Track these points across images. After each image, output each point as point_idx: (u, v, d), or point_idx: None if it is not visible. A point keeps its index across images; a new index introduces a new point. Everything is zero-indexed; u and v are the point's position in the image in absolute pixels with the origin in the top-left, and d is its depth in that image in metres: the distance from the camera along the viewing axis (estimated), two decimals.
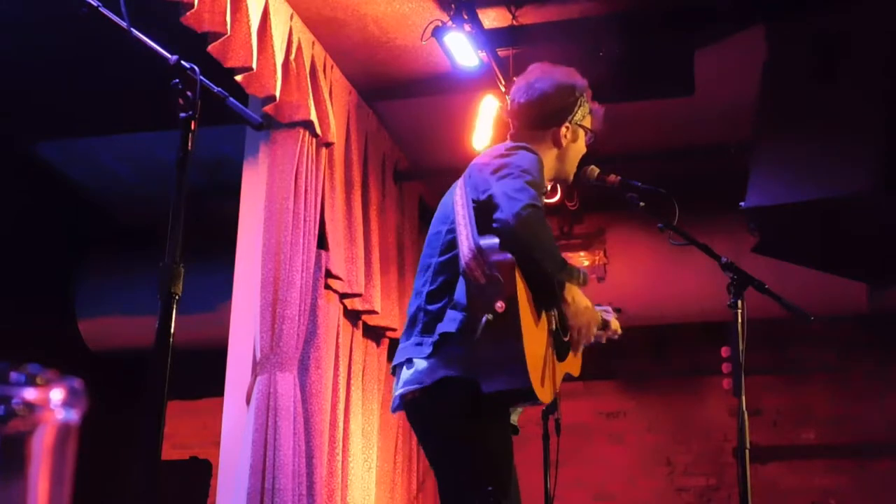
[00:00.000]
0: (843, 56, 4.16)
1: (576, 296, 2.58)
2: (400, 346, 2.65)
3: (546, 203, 3.02)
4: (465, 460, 2.53)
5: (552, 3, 4.40)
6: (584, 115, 2.81)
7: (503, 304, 2.38)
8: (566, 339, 2.70)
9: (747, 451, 2.65)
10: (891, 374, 6.33)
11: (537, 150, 2.69)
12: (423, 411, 2.57)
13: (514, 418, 2.67)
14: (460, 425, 2.51)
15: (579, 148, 2.82)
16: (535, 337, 2.47)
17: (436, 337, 2.50)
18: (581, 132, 2.80)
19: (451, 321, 2.48)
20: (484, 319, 2.38)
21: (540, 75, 2.86)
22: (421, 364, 2.52)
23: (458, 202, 2.62)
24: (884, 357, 6.37)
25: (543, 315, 2.55)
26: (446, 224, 2.64)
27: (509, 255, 2.43)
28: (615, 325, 2.93)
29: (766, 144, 4.34)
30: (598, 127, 2.86)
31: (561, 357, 2.66)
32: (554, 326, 2.60)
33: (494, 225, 2.45)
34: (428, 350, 2.51)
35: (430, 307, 2.56)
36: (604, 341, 2.91)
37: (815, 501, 6.33)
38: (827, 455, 6.45)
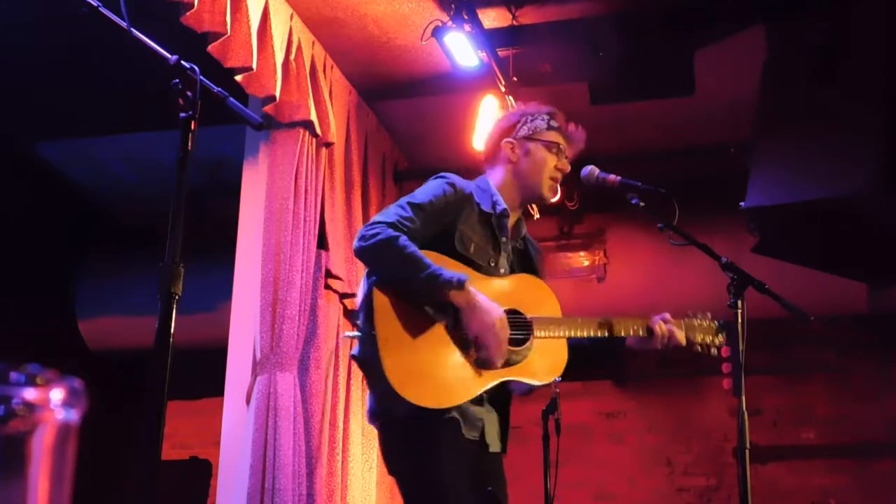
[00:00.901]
0: (843, 56, 4.16)
1: (473, 301, 2.53)
2: None
3: (546, 203, 3.02)
4: (411, 481, 2.59)
5: (552, 3, 4.40)
6: (535, 130, 2.88)
7: (361, 321, 2.54)
8: (519, 349, 2.66)
9: (747, 451, 2.64)
10: (891, 374, 6.33)
11: (496, 173, 2.88)
12: (378, 433, 2.69)
13: (472, 433, 2.62)
14: (401, 445, 2.60)
15: (539, 161, 2.86)
16: (408, 351, 2.51)
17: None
18: (534, 146, 2.87)
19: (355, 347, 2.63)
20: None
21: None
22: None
23: None
24: (884, 357, 6.36)
25: (438, 326, 2.57)
26: None
27: (370, 277, 2.57)
28: (662, 329, 2.85)
29: (766, 144, 4.34)
30: (572, 141, 2.92)
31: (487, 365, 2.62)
32: (463, 335, 2.58)
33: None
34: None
35: None
36: (658, 347, 2.87)
37: (815, 501, 6.34)
38: (827, 455, 6.45)
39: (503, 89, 4.55)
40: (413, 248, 2.52)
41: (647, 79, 4.56)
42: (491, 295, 2.60)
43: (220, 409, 4.24)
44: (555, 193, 2.92)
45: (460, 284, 2.50)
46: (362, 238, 2.54)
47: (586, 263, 5.98)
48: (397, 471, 2.66)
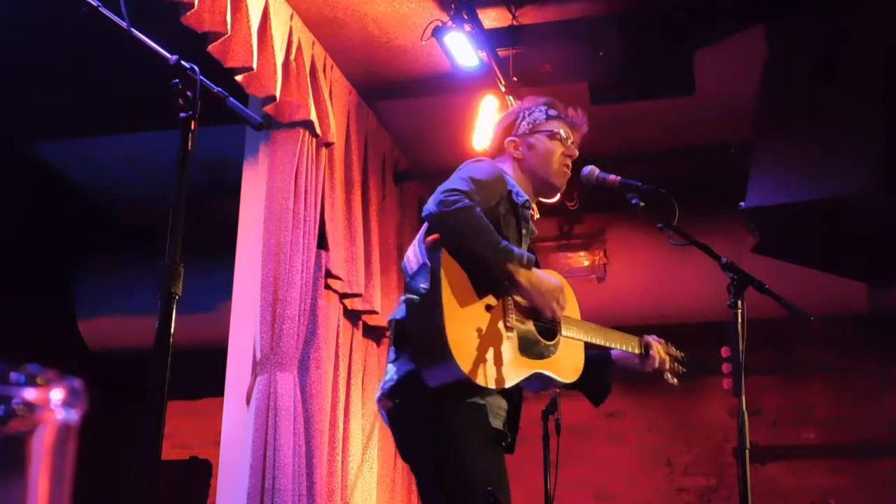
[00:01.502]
0: (843, 56, 4.16)
1: (533, 279, 2.57)
2: None
3: (546, 203, 3.03)
4: (436, 464, 2.55)
5: (552, 3, 4.40)
6: (536, 122, 2.91)
7: (426, 286, 2.48)
8: (550, 343, 2.68)
9: (747, 451, 2.64)
10: (891, 374, 6.33)
11: (505, 168, 2.86)
12: (394, 412, 2.61)
13: (497, 423, 2.63)
14: (428, 425, 2.55)
15: (545, 151, 2.87)
16: (469, 323, 2.49)
17: (391, 328, 2.61)
18: (536, 139, 2.89)
19: (398, 311, 2.59)
20: (404, 299, 2.53)
21: None
22: (390, 366, 2.62)
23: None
24: (884, 357, 6.36)
25: (495, 304, 2.57)
26: None
27: (436, 240, 2.54)
28: (660, 353, 2.92)
29: (766, 144, 4.34)
30: (574, 126, 2.94)
31: (534, 355, 2.64)
32: (513, 321, 2.60)
33: (423, 215, 2.59)
34: (392, 350, 2.61)
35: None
36: (649, 370, 2.92)
37: (815, 501, 6.33)
38: (827, 455, 6.45)
39: (503, 89, 4.55)
40: (486, 220, 2.53)
41: (647, 79, 4.55)
42: None
43: (220, 409, 4.24)
44: (566, 179, 2.91)
45: (530, 262, 2.56)
46: (443, 203, 2.50)
47: (586, 263, 5.98)
48: (419, 451, 2.60)
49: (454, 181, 2.60)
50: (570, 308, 2.81)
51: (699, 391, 6.69)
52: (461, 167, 2.73)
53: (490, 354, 2.51)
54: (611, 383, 2.97)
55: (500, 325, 2.57)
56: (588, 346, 2.86)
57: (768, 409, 6.54)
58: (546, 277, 2.62)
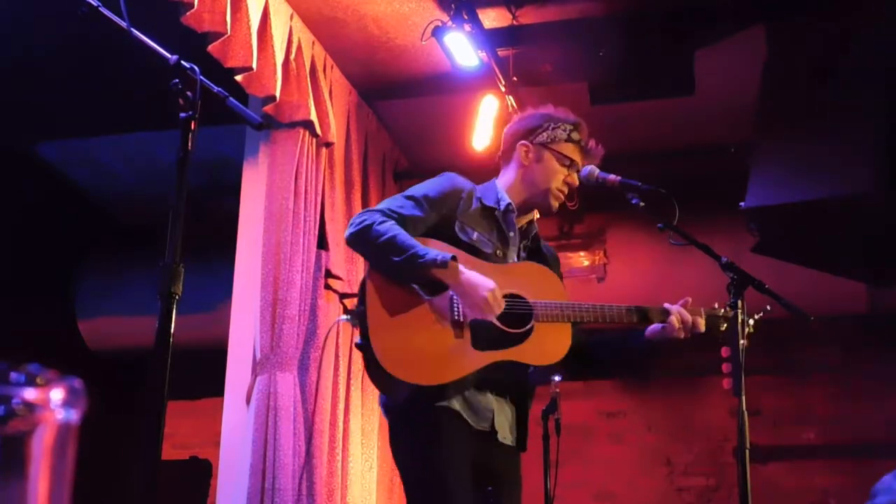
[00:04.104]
0: (843, 56, 4.16)
1: (461, 278, 2.54)
2: None
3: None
4: (411, 475, 2.62)
5: (552, 3, 4.40)
6: (555, 140, 2.86)
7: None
8: (520, 331, 2.66)
9: (747, 451, 2.64)
10: (891, 374, 6.33)
11: (507, 173, 2.89)
12: (388, 420, 2.73)
13: (482, 424, 2.62)
14: (401, 434, 2.65)
15: (549, 171, 2.85)
16: (399, 331, 2.55)
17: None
18: (548, 155, 2.85)
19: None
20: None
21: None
22: None
23: None
24: (884, 357, 6.36)
25: (432, 305, 2.60)
26: None
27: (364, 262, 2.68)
28: (684, 316, 2.84)
29: (766, 144, 4.34)
30: (588, 157, 2.90)
31: (492, 346, 2.62)
32: (461, 316, 2.61)
33: None
34: None
35: None
36: (682, 336, 2.85)
37: (815, 501, 6.33)
38: (827, 455, 6.45)
39: (503, 89, 4.55)
40: (396, 231, 2.55)
41: (647, 79, 4.56)
42: (492, 278, 2.60)
43: (220, 409, 4.24)
44: (558, 203, 2.90)
45: (444, 263, 2.51)
46: (350, 224, 2.62)
47: (586, 263, 5.98)
48: (398, 462, 2.69)
49: (381, 203, 2.72)
50: (554, 292, 2.78)
51: (699, 391, 6.70)
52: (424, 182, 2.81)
53: (429, 354, 2.57)
54: (644, 356, 2.97)
55: (444, 324, 2.59)
56: (583, 327, 2.83)
57: (768, 409, 6.54)
58: (475, 277, 2.55)
